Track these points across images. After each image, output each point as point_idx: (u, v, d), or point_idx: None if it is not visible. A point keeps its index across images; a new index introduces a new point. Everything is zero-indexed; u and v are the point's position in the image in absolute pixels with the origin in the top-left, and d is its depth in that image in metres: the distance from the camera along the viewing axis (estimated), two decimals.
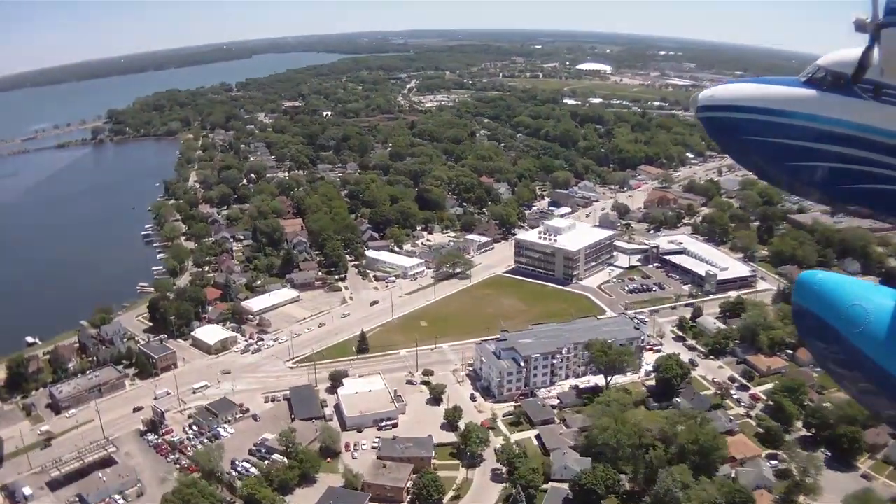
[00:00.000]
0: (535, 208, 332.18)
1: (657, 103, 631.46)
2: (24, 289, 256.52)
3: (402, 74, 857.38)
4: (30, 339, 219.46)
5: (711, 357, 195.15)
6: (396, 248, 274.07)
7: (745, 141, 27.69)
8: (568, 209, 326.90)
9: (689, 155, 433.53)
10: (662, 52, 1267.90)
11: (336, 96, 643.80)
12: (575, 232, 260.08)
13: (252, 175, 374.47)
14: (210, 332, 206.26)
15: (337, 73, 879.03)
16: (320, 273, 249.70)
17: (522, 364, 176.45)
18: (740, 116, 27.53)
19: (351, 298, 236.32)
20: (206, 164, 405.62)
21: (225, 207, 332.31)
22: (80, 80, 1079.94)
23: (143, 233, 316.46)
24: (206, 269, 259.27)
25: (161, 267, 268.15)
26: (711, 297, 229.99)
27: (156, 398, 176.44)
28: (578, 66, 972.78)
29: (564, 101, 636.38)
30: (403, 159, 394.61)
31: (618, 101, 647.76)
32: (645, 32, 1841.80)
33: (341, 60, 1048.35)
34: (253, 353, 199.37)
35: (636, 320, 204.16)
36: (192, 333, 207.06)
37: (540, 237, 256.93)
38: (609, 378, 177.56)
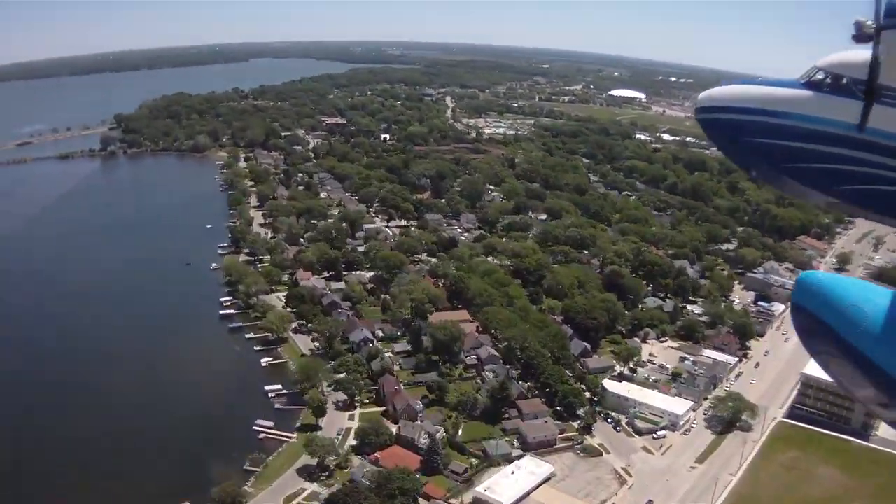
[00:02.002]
0: (735, 301, 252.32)
1: None
2: (52, 409, 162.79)
3: (430, 90, 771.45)
4: None
5: None
6: (627, 372, 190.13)
7: (744, 142, 26.65)
8: (780, 306, 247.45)
9: (826, 220, 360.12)
10: (673, 79, 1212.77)
11: (381, 115, 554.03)
12: None
13: (344, 225, 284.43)
14: None
15: (355, 84, 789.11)
16: (550, 420, 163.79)
17: None
18: (740, 118, 26.59)
19: (628, 473, 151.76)
20: (274, 204, 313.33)
21: (328, 273, 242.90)
22: (70, 76, 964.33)
23: (221, 312, 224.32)
24: (363, 398, 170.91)
25: (280, 388, 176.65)
26: None
27: None
28: (611, 93, 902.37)
29: (637, 136, 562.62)
30: (525, 212, 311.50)
31: (692, 140, 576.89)
32: (633, 55, 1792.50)
33: (354, 70, 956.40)
34: None
35: None
36: None
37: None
38: None
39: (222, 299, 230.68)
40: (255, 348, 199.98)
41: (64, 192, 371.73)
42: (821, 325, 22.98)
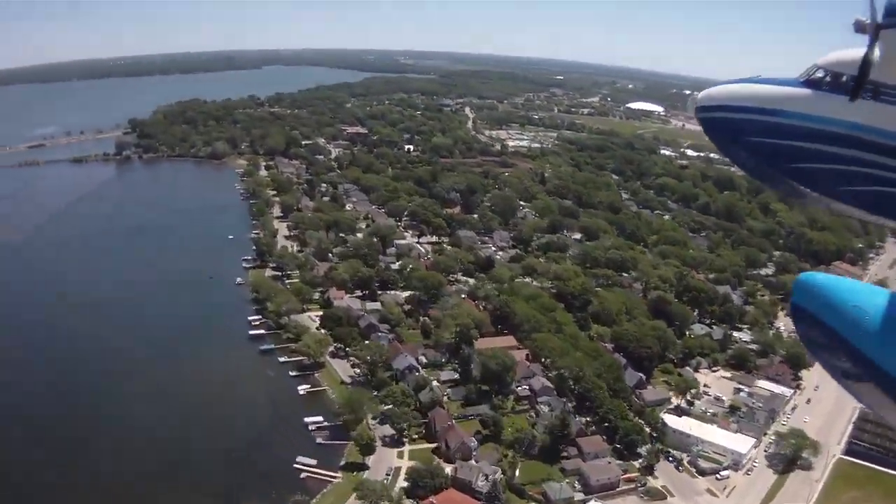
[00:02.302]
0: (781, 328, 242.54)
1: None
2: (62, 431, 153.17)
3: (448, 100, 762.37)
4: None
5: None
6: (684, 405, 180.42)
7: (743, 142, 26.24)
8: None
9: (859, 244, 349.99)
10: (687, 91, 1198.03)
11: (402, 125, 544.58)
12: None
13: (375, 240, 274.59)
14: None
15: (372, 94, 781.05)
16: (612, 460, 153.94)
17: None
18: (739, 117, 26.16)
19: None
20: (300, 216, 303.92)
21: (361, 292, 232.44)
22: (81, 79, 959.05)
23: (250, 332, 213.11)
24: (412, 433, 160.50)
25: (321, 420, 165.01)
26: None
27: None
28: (629, 105, 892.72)
29: (662, 151, 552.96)
30: (560, 231, 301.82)
31: (715, 156, 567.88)
32: (622, 64, 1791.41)
33: (370, 79, 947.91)
34: None
35: None
36: None
37: None
38: None
39: (251, 318, 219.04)
40: (291, 373, 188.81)
41: (77, 197, 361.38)
42: (821, 326, 22.44)
